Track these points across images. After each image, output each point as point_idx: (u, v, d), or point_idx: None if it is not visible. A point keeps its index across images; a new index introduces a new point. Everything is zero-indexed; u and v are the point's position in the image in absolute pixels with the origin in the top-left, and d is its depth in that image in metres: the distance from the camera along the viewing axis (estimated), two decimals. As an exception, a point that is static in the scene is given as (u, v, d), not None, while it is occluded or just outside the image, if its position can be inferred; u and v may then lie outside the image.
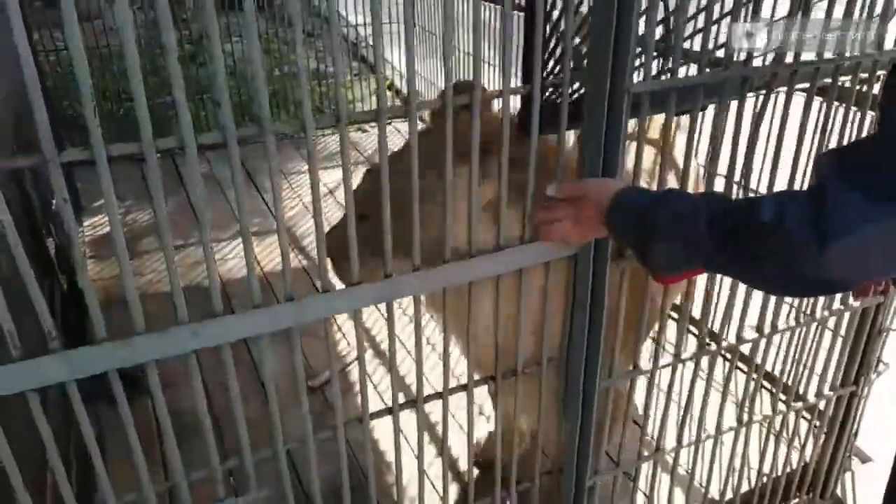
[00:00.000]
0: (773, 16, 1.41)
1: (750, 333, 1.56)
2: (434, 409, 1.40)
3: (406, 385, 2.62)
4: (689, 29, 1.24)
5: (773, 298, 1.55)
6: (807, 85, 1.33)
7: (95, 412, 2.25)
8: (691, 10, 1.20)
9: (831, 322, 1.69)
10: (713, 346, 1.52)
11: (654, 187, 1.36)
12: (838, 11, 1.25)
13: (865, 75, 1.38)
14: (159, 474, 2.16)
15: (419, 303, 1.23)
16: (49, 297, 2.56)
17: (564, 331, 1.40)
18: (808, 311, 1.63)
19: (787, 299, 1.67)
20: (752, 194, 1.38)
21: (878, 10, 1.30)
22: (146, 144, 0.88)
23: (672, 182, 1.61)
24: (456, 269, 1.22)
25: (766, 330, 1.57)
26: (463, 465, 2.23)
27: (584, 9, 1.20)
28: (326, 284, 1.13)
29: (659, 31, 1.20)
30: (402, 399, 1.32)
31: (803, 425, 1.97)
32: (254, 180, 4.13)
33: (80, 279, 0.94)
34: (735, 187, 1.35)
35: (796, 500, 1.98)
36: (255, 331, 1.09)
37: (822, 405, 1.84)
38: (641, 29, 1.12)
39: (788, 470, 1.94)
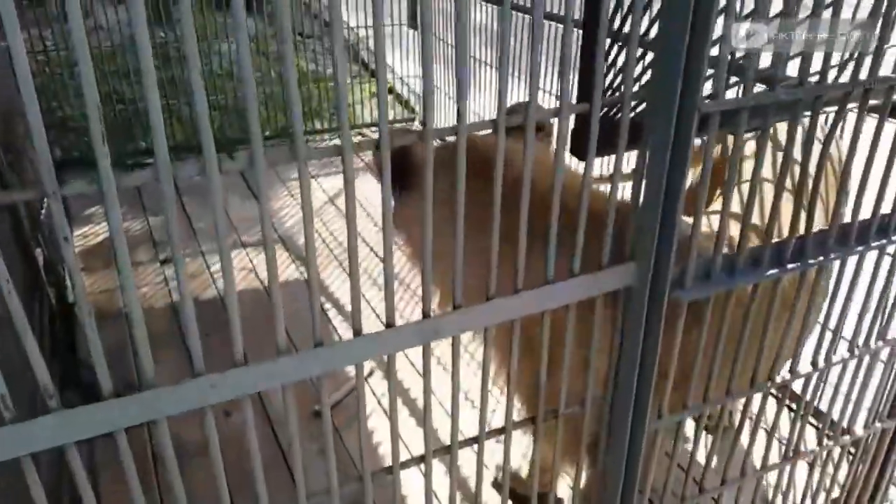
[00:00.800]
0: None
1: (804, 368, 1.45)
2: (462, 459, 1.27)
3: (419, 434, 2.49)
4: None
5: (828, 331, 1.44)
6: (880, 101, 1.22)
7: (89, 443, 2.12)
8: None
9: (884, 353, 1.58)
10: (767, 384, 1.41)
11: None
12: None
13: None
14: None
15: (458, 343, 1.11)
16: (38, 313, 2.42)
17: (611, 369, 1.28)
18: (863, 343, 1.52)
19: (845, 332, 1.54)
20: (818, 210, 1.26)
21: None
22: (163, 171, 0.75)
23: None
24: (500, 306, 1.09)
25: (821, 364, 1.46)
26: None
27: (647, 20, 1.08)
28: (357, 327, 1.00)
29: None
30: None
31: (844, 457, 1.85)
32: (253, 189, 3.98)
33: (88, 336, 0.80)
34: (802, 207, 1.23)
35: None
36: (279, 381, 0.96)
37: (868, 438, 1.73)
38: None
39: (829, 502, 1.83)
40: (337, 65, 0.81)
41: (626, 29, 1.04)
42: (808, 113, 1.14)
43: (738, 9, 1.00)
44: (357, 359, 1.02)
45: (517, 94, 3.58)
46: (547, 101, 3.46)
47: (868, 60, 1.14)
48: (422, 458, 1.20)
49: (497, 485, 1.98)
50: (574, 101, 1.06)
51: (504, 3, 0.88)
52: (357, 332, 1.00)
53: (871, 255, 1.37)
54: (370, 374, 2.63)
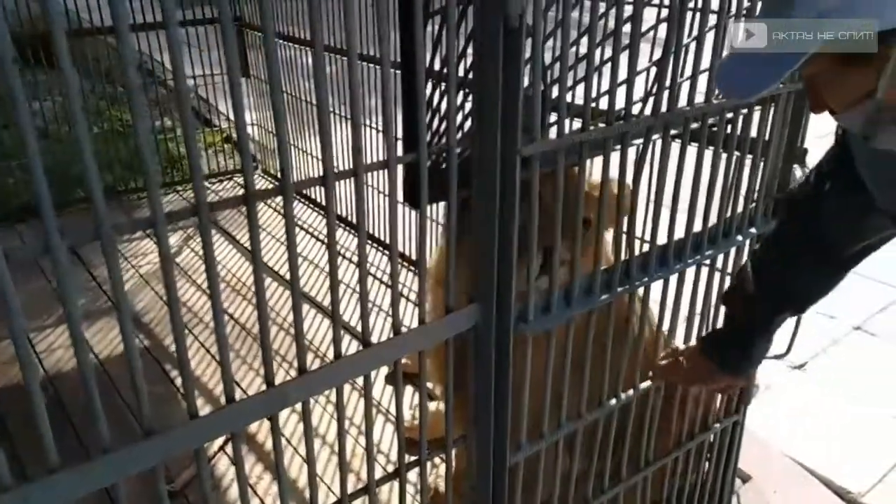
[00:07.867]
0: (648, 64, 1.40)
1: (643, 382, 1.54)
2: None
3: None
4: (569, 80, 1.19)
5: (660, 342, 1.54)
6: (679, 131, 1.33)
7: None
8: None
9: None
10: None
11: None
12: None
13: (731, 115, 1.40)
14: None
15: (308, 409, 1.06)
16: None
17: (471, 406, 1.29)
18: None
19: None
20: (637, 241, 1.35)
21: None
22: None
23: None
24: (350, 364, 1.07)
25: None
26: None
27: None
28: (193, 409, 0.93)
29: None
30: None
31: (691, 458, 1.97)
32: (77, 253, 3.65)
33: None
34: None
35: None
36: (107, 481, 0.87)
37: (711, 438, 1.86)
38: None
39: (684, 504, 1.94)
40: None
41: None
42: (618, 147, 1.22)
43: (543, 58, 1.05)
44: (198, 442, 0.95)
45: (372, 142, 3.56)
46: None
47: (665, 95, 1.24)
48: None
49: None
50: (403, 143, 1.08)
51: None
52: (192, 414, 0.93)
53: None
54: (191, 480, 2.35)
